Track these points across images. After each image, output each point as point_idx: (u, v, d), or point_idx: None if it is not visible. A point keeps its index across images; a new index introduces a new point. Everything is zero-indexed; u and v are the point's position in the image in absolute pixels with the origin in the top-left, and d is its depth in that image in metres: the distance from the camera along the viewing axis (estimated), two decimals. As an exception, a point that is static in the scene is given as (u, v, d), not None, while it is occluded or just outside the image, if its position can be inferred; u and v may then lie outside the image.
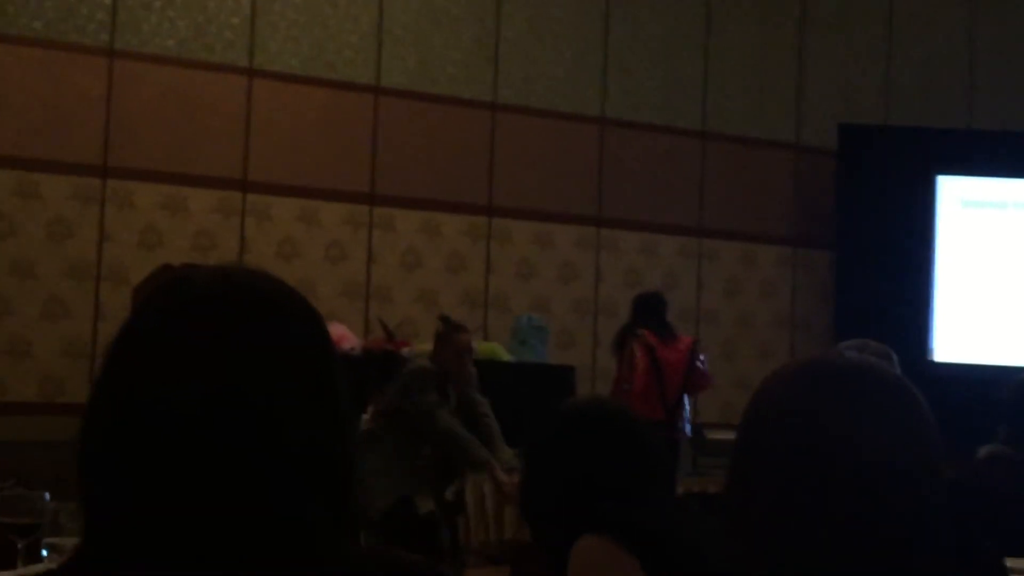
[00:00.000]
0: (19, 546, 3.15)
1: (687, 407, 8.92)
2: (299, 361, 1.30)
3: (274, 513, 1.23)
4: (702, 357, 8.77)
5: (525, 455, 2.62)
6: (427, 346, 10.44)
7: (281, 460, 1.23)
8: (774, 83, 12.52)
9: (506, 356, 10.63)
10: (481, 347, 10.60)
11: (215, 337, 1.27)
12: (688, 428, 9.10)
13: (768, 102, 12.48)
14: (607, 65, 11.86)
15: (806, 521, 1.47)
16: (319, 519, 1.26)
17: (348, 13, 10.89)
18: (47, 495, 3.16)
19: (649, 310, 8.64)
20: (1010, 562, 1.87)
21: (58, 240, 9.80)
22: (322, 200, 10.66)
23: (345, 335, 9.94)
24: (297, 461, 1.24)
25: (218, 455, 1.21)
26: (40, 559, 3.14)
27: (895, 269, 11.48)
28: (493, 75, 11.42)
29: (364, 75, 10.93)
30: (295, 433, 1.26)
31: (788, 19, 12.60)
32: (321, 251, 10.65)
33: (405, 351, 9.69)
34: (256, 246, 10.37)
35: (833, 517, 1.46)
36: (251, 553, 1.21)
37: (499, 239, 11.33)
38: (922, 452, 1.51)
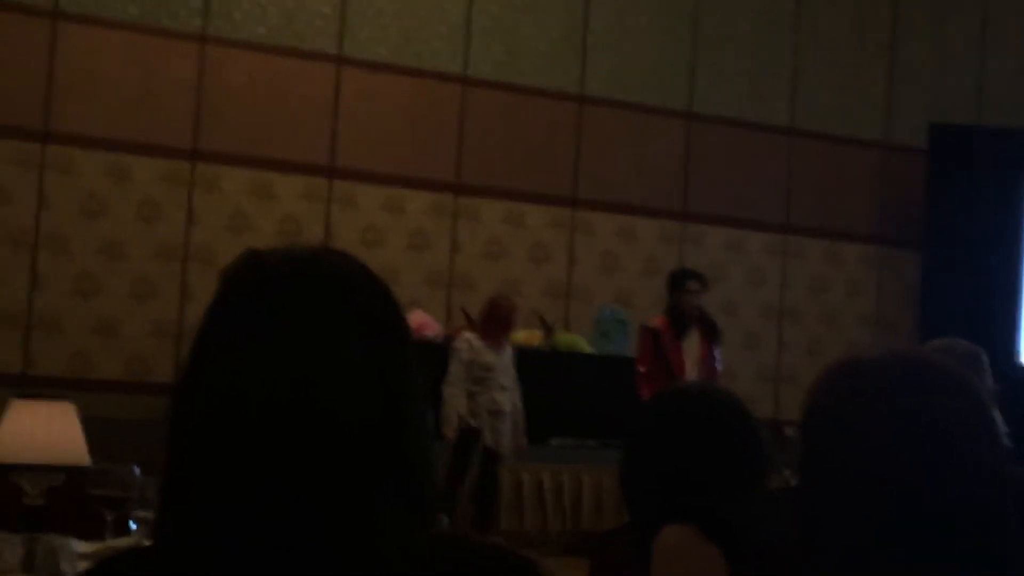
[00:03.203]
0: (107, 518, 3.19)
1: None
2: (371, 341, 1.29)
3: (346, 498, 1.23)
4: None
5: (628, 436, 2.62)
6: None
7: (353, 442, 1.24)
8: (864, 80, 12.38)
9: (587, 348, 10.63)
10: (562, 338, 10.61)
11: (285, 319, 1.27)
12: None
13: (857, 99, 12.35)
14: (695, 59, 11.80)
15: (863, 517, 1.48)
16: (392, 504, 1.25)
17: (437, 3, 10.92)
18: (136, 468, 3.20)
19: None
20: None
21: (147, 221, 9.93)
22: (407, 188, 10.71)
23: (427, 323, 9.99)
24: (369, 443, 1.25)
25: (288, 438, 1.23)
26: (128, 532, 3.19)
27: (983, 270, 11.32)
28: (580, 67, 11.41)
29: (452, 65, 10.96)
30: (368, 414, 1.26)
31: (880, 16, 12.45)
32: (405, 239, 10.70)
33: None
34: (341, 232, 10.44)
35: (889, 514, 1.47)
36: (323, 538, 1.23)
37: (583, 231, 11.32)
38: (976, 441, 1.51)
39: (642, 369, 8.24)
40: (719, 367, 8.33)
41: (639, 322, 10.98)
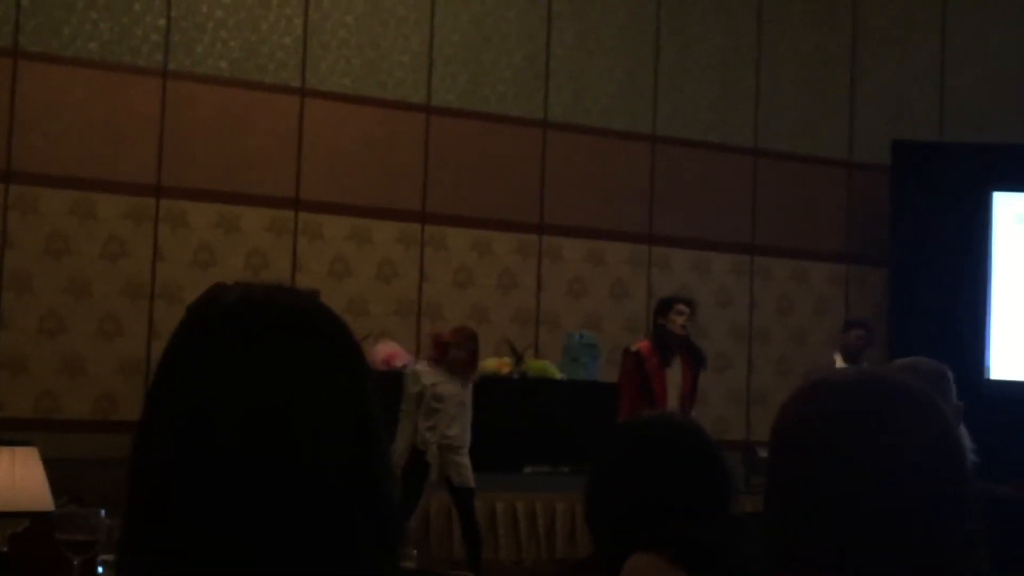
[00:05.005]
0: (74, 563, 3.16)
1: None
2: (327, 376, 1.30)
3: (321, 533, 1.23)
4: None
5: (592, 466, 2.62)
6: (479, 363, 10.47)
7: (319, 474, 1.25)
8: (826, 99, 12.46)
9: (557, 373, 10.63)
10: (532, 364, 10.61)
11: (244, 353, 1.28)
12: None
13: (820, 119, 12.42)
14: (658, 82, 11.85)
15: (830, 538, 1.50)
16: (366, 537, 1.26)
17: (399, 33, 10.94)
18: (103, 512, 3.17)
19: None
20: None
21: (113, 259, 9.89)
22: (374, 219, 10.70)
23: (397, 353, 9.97)
24: (338, 475, 1.25)
25: (253, 471, 1.23)
26: (95, 576, 3.16)
27: (950, 286, 11.37)
28: (543, 93, 11.44)
29: (415, 94, 10.97)
30: (333, 446, 1.26)
31: (840, 35, 12.54)
32: (373, 269, 10.69)
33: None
34: (308, 264, 10.42)
35: (854, 536, 1.49)
36: (294, 569, 1.23)
37: (550, 257, 11.33)
38: (942, 459, 1.53)
39: (623, 393, 8.22)
40: (696, 396, 8.32)
41: (609, 346, 11.02)
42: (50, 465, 3.57)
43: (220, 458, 1.24)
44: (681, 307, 8.25)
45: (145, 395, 1.33)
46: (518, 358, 10.55)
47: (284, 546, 1.22)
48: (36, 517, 3.33)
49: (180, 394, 1.28)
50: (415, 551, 3.13)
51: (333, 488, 1.25)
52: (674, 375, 8.19)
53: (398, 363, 9.72)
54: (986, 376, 11.26)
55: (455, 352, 7.99)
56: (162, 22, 10.14)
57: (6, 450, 3.40)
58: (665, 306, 8.33)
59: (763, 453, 10.10)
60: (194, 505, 1.23)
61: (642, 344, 8.35)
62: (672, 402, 8.02)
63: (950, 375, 3.83)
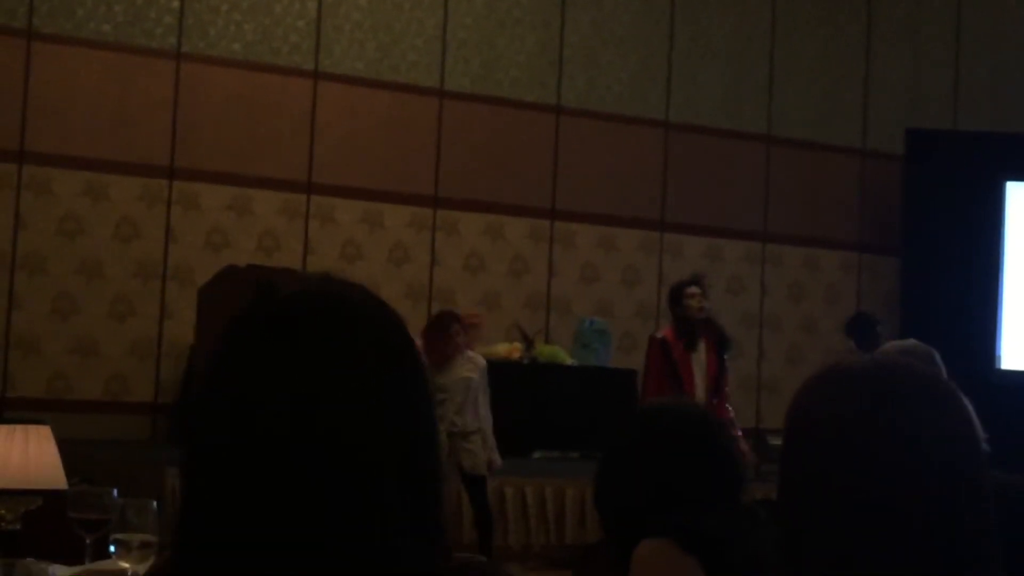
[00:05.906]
0: (87, 541, 3.18)
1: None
2: (390, 370, 1.30)
3: (363, 525, 1.25)
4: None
5: (604, 452, 2.63)
6: (489, 348, 10.48)
7: (375, 471, 1.25)
8: (840, 87, 12.43)
9: (568, 359, 10.63)
10: (543, 350, 10.61)
11: (301, 356, 1.28)
12: None
13: (834, 106, 12.39)
14: (671, 69, 11.83)
15: (843, 527, 1.49)
16: (409, 531, 1.26)
17: (413, 17, 10.93)
18: (115, 491, 3.18)
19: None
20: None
21: (125, 240, 9.91)
22: (386, 202, 10.71)
23: (408, 337, 9.97)
24: (384, 476, 1.26)
25: (310, 472, 1.24)
26: (108, 555, 3.17)
27: (962, 275, 11.35)
28: (557, 79, 11.43)
29: (428, 78, 10.96)
30: (390, 443, 1.27)
31: (855, 23, 12.50)
32: (384, 253, 10.70)
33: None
34: (320, 248, 10.43)
35: (868, 525, 1.48)
36: (341, 566, 1.23)
37: (562, 242, 11.33)
38: (960, 449, 1.52)
39: (650, 380, 8.19)
40: (727, 385, 8.25)
41: (619, 333, 11.03)
42: (61, 445, 3.58)
43: (263, 449, 1.25)
44: (692, 290, 8.21)
45: (199, 382, 1.33)
46: (529, 343, 10.55)
47: (320, 539, 1.23)
48: (49, 496, 3.34)
49: (239, 392, 1.28)
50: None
51: (374, 483, 1.25)
52: (700, 359, 8.15)
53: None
54: (997, 365, 11.26)
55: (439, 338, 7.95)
56: (176, 4, 10.14)
57: (20, 429, 3.41)
58: (677, 293, 8.29)
59: (773, 440, 10.10)
60: (249, 506, 1.24)
61: (667, 331, 8.31)
62: (700, 388, 7.97)
63: (938, 358, 3.84)
